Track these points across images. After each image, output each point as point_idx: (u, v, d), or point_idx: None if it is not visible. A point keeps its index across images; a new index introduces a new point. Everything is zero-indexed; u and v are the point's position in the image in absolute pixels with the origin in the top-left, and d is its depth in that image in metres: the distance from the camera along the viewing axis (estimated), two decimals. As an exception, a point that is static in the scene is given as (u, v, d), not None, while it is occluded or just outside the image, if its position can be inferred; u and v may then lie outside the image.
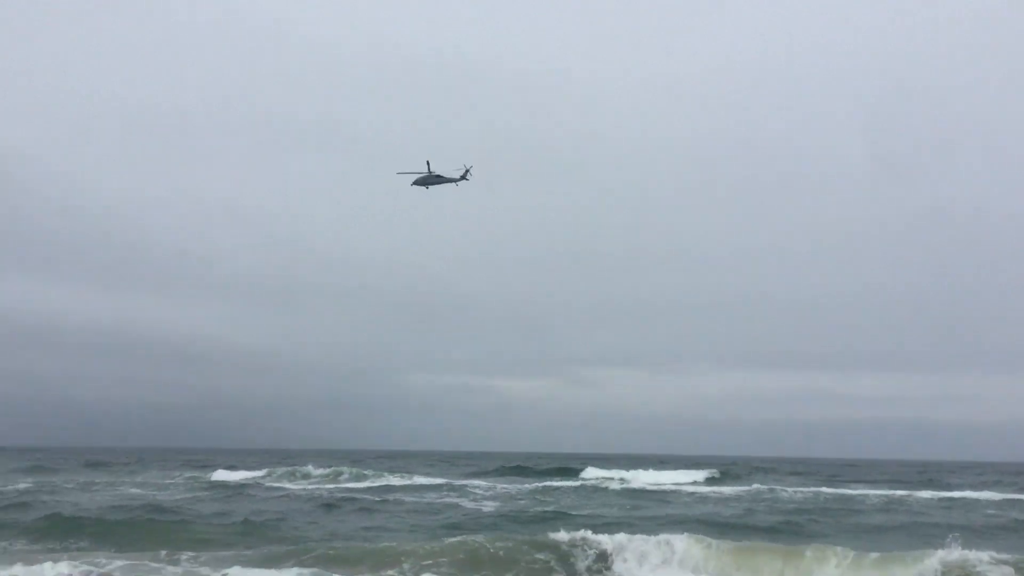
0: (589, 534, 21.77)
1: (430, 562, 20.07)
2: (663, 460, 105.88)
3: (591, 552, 21.12)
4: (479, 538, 21.85)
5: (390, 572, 19.53)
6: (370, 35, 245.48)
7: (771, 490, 49.85)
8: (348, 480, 58.55)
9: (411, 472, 68.49)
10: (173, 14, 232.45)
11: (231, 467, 71.59)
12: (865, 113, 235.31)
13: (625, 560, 20.66)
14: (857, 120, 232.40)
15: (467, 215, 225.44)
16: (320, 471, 62.54)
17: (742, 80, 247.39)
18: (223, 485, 52.64)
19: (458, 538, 22.17)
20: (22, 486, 45.64)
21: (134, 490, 47.36)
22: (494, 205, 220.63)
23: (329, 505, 37.43)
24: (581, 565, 20.64)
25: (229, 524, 27.98)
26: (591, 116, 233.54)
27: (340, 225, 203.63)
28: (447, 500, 41.68)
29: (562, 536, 21.78)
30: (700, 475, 65.05)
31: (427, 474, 65.82)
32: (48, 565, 18.67)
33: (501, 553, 20.71)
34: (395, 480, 58.06)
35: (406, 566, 19.84)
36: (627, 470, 66.69)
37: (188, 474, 64.10)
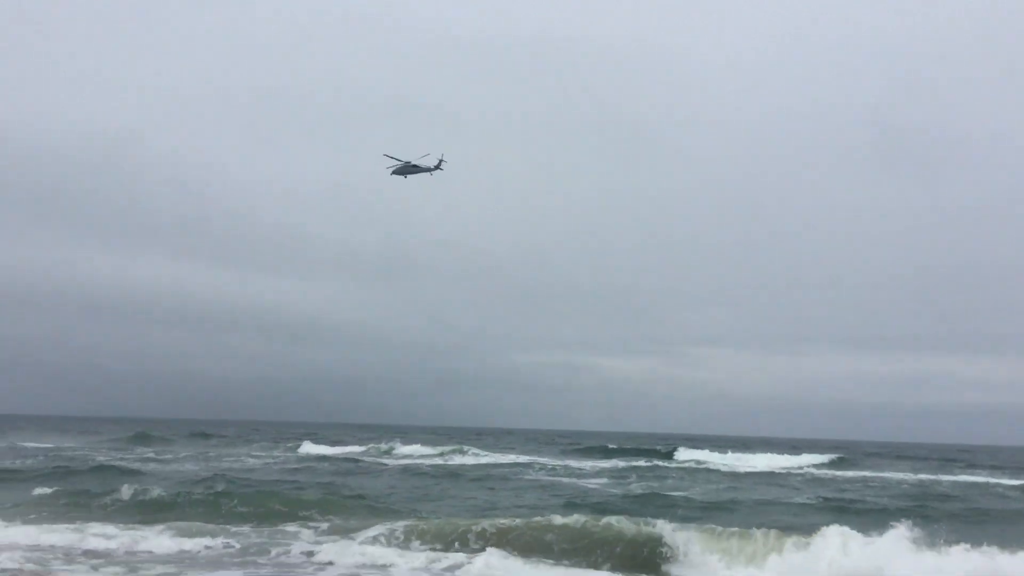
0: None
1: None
2: (771, 443, 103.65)
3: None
4: (614, 519, 20.11)
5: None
6: (471, 15, 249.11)
7: (881, 476, 48.09)
8: (455, 456, 58.94)
9: (514, 449, 68.66)
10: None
11: (338, 441, 72.96)
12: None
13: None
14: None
15: (572, 195, 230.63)
16: (426, 449, 63.12)
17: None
18: (335, 458, 53.72)
19: (604, 519, 20.09)
20: (191, 465, 46.76)
21: (252, 461, 48.72)
22: (600, 186, 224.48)
23: (454, 475, 38.06)
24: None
25: (349, 496, 28.08)
26: (693, 97, 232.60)
27: (444, 206, 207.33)
28: (555, 479, 41.28)
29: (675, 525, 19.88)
30: (816, 459, 62.32)
31: (532, 452, 65.72)
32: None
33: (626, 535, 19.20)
34: (499, 457, 58.13)
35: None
36: (742, 452, 65.09)
37: (304, 447, 65.54)
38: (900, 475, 49.72)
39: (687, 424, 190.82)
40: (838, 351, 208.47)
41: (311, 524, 21.69)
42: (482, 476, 40.35)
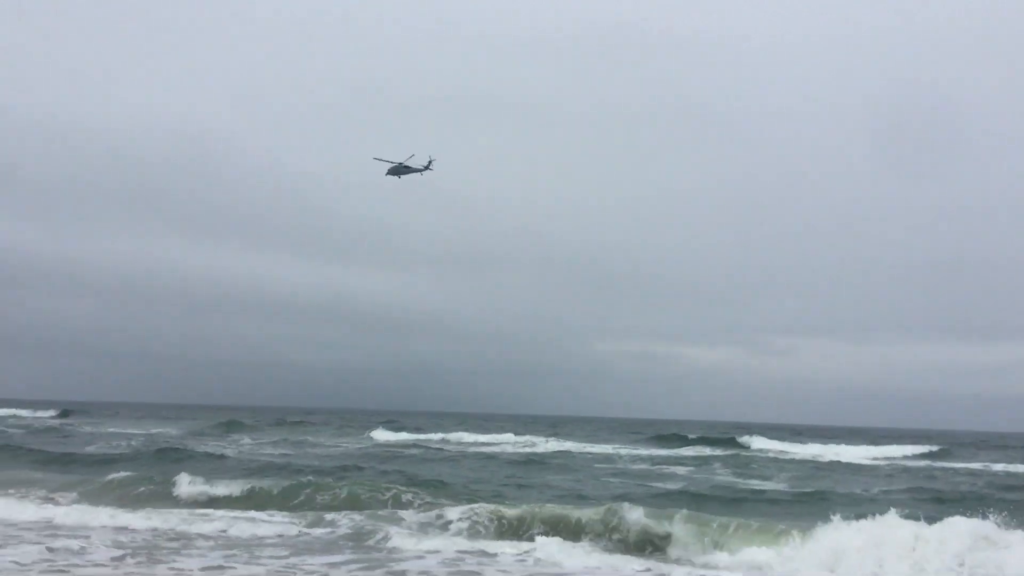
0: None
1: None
2: (859, 432, 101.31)
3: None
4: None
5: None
6: (545, 8, 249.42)
7: (987, 467, 46.07)
8: (536, 443, 59.20)
9: (593, 437, 68.60)
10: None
11: (419, 428, 73.91)
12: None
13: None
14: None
15: (653, 183, 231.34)
16: (505, 436, 63.60)
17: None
18: (419, 445, 54.53)
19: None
20: (281, 450, 47.94)
21: (339, 447, 49.64)
22: (680, 173, 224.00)
23: (535, 463, 38.18)
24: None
25: (436, 482, 28.34)
26: (775, 83, 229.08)
27: (525, 196, 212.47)
28: (634, 467, 41.08)
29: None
30: (912, 449, 59.35)
31: (610, 440, 65.54)
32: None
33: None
34: (581, 445, 58.00)
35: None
36: (828, 442, 63.65)
37: (384, 434, 66.40)
38: (1008, 466, 46.87)
39: (771, 414, 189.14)
40: (925, 339, 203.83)
41: (405, 510, 21.92)
42: (564, 464, 40.40)
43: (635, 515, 19.18)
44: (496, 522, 19.87)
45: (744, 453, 54.94)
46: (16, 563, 14.38)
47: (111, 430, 64.95)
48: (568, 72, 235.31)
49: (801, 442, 64.88)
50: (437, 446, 54.46)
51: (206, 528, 19.20)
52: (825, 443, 63.71)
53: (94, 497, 23.59)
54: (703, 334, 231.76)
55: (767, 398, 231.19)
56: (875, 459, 53.17)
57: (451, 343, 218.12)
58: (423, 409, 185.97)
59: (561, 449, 53.53)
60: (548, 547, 17.52)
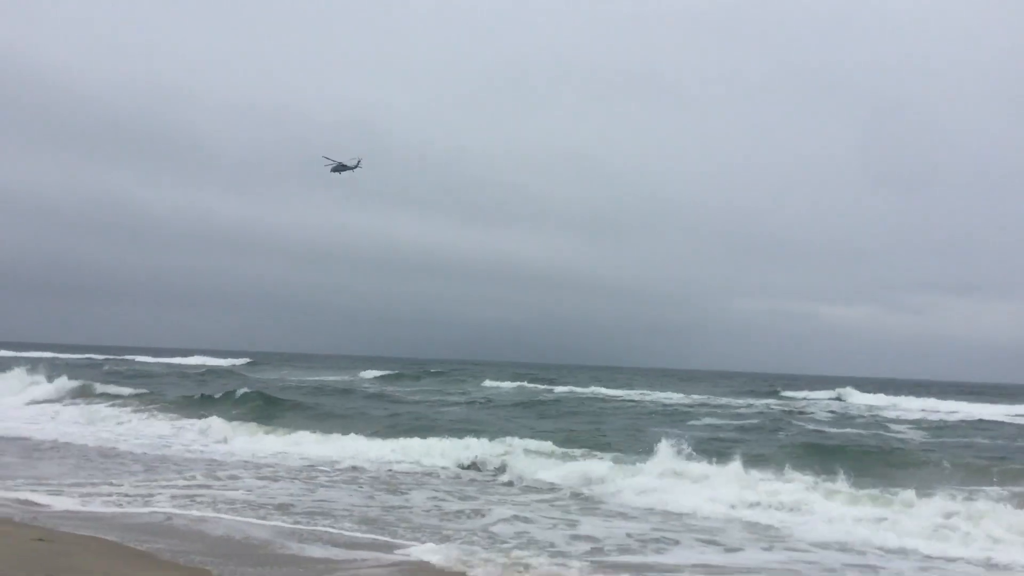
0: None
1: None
2: (993, 389, 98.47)
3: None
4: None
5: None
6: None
7: None
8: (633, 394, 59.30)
9: (700, 389, 69.04)
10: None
11: (568, 381, 74.49)
12: None
13: None
14: None
15: (786, 149, 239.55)
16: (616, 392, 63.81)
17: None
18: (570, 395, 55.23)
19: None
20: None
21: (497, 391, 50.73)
22: (812, 134, 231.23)
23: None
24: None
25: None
26: (903, 43, 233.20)
27: (665, 165, 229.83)
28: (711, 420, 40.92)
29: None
30: None
31: (720, 393, 65.14)
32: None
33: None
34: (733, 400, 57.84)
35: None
36: (944, 399, 60.64)
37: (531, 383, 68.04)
38: None
39: (911, 370, 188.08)
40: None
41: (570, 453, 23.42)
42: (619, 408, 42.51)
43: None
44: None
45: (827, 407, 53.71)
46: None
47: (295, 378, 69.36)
48: (702, 45, 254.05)
49: (917, 396, 63.01)
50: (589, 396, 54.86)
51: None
52: (944, 399, 61.26)
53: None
54: (839, 292, 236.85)
55: (902, 355, 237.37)
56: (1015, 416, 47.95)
57: (598, 301, 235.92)
58: (573, 363, 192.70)
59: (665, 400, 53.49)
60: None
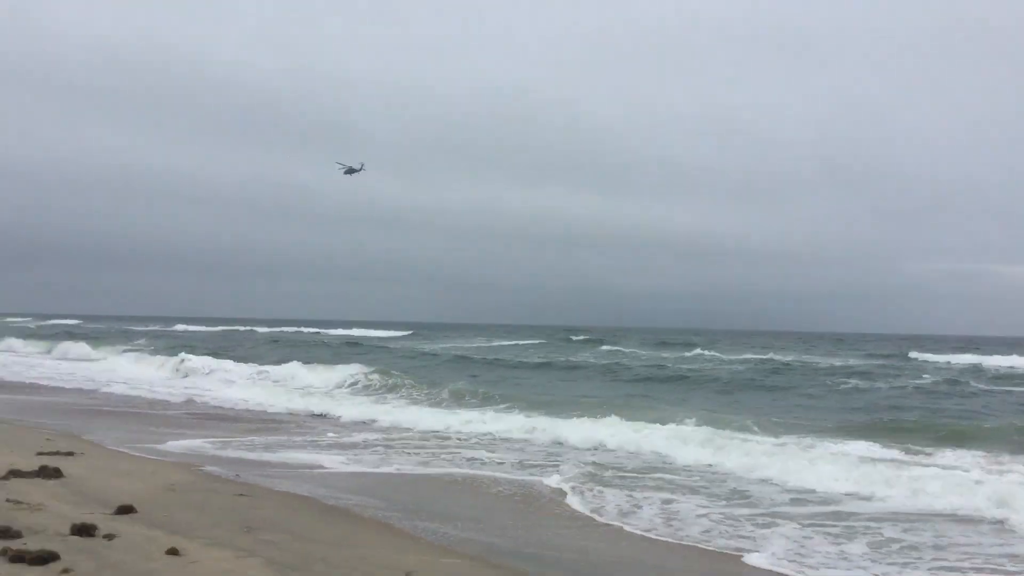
0: None
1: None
2: None
3: None
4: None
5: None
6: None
7: None
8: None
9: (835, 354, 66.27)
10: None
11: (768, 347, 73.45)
12: None
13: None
14: None
15: (952, 106, 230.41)
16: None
17: None
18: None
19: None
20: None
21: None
22: (984, 93, 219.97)
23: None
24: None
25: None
26: None
27: (817, 127, 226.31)
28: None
29: None
30: None
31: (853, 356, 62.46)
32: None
33: None
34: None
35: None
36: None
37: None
38: None
39: None
40: None
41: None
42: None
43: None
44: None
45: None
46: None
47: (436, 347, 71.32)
48: (849, 5, 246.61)
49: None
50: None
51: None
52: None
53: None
54: (1015, 252, 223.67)
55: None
56: None
57: (752, 267, 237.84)
58: (726, 328, 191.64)
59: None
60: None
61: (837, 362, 54.25)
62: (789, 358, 57.18)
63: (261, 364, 40.60)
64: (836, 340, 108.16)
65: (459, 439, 20.48)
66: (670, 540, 11.40)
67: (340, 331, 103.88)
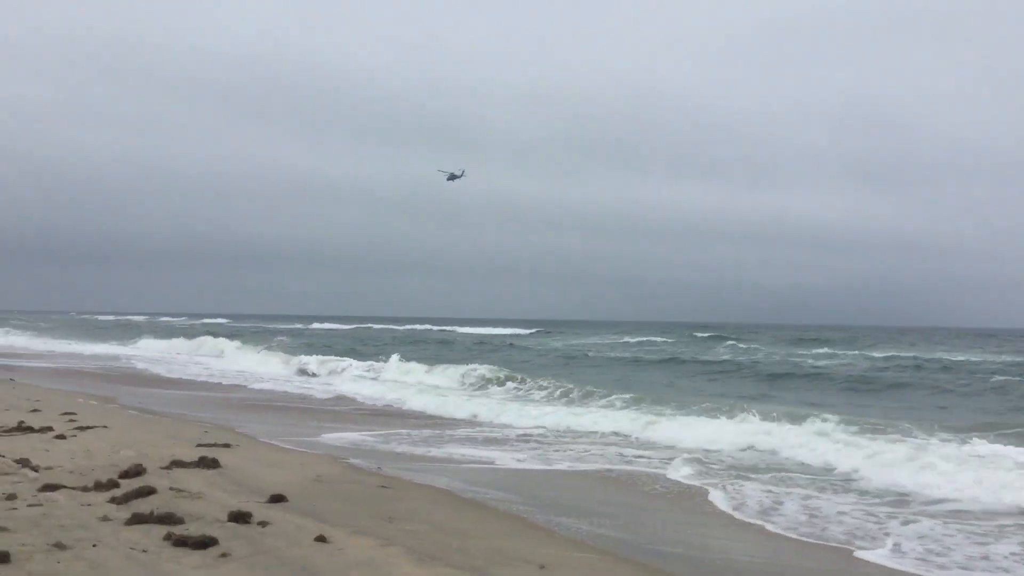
0: None
1: None
2: None
3: None
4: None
5: None
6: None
7: None
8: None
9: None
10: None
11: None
12: None
13: None
14: None
15: None
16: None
17: None
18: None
19: None
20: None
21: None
22: None
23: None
24: None
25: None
26: None
27: (953, 109, 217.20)
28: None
29: None
30: None
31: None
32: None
33: None
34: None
35: None
36: None
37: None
38: None
39: None
40: None
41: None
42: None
43: None
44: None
45: None
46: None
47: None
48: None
49: None
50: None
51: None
52: None
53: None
54: None
55: None
56: None
57: (898, 260, 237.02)
58: (871, 324, 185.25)
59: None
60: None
61: (987, 358, 51.56)
62: (935, 354, 54.73)
63: (401, 362, 41.72)
64: (987, 336, 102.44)
65: (589, 436, 20.58)
66: (811, 540, 11.18)
67: (469, 329, 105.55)
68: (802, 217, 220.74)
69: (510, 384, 32.84)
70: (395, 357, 41.52)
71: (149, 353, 53.38)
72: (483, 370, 35.68)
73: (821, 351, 60.47)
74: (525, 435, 20.45)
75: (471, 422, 23.13)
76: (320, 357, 44.44)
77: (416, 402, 27.14)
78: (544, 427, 21.91)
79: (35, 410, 19.56)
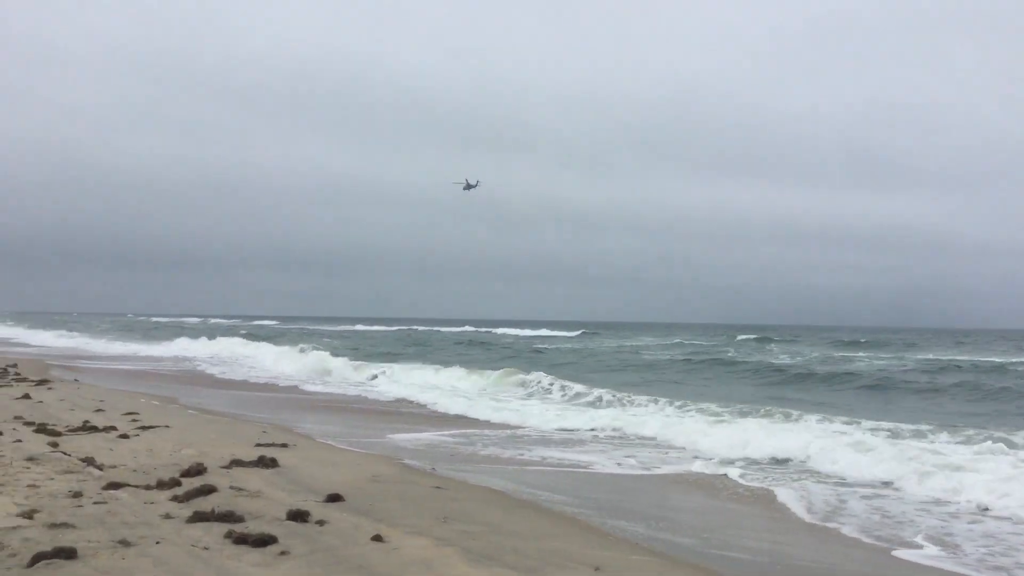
0: None
1: None
2: None
3: None
4: None
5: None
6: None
7: None
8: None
9: None
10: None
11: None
12: None
13: None
14: None
15: None
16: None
17: None
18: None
19: None
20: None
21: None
22: None
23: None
24: None
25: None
26: None
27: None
28: None
29: None
30: None
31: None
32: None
33: None
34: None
35: None
36: None
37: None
38: None
39: None
40: None
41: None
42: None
43: None
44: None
45: None
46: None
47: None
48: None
49: None
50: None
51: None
52: None
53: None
54: None
55: None
56: None
57: (958, 262, 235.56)
58: (931, 326, 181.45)
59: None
60: None
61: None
62: (998, 358, 53.35)
63: (446, 367, 41.79)
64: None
65: (644, 440, 20.44)
66: (877, 543, 10.99)
67: (515, 331, 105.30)
68: (854, 217, 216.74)
69: (560, 387, 32.68)
70: (440, 366, 41.64)
71: (205, 353, 54.27)
72: (535, 375, 35.54)
73: (862, 354, 59.58)
74: (579, 439, 20.41)
75: (522, 426, 22.96)
76: (368, 363, 44.71)
77: (464, 406, 26.70)
78: (596, 429, 21.82)
79: (99, 410, 20.03)
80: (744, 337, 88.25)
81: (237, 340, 64.08)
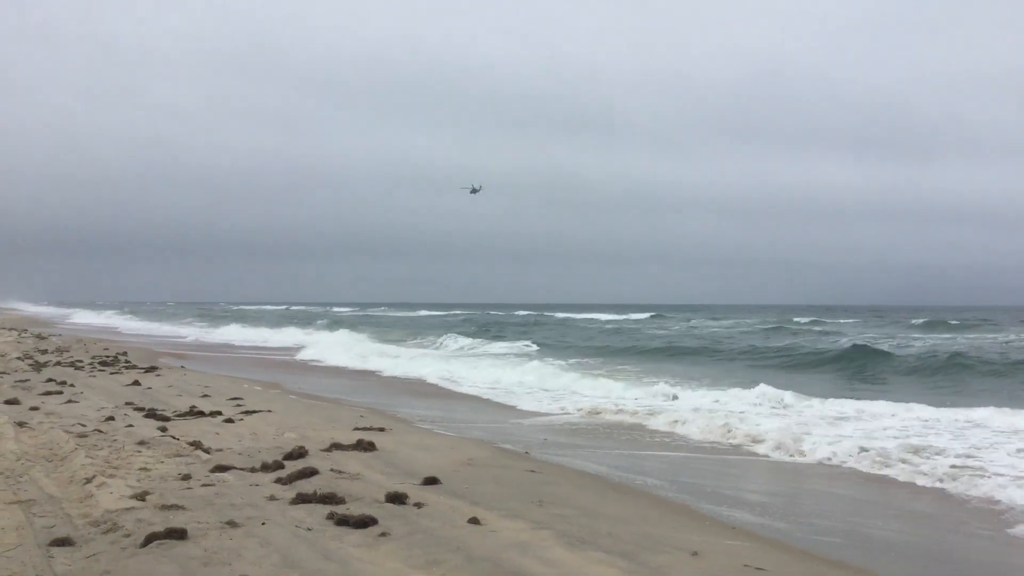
0: None
1: None
2: None
3: None
4: None
5: None
6: None
7: None
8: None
9: None
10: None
11: None
12: None
13: None
14: None
15: None
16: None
17: None
18: None
19: None
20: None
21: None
22: None
23: None
24: None
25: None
26: None
27: None
28: None
29: None
30: None
31: None
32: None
33: None
34: None
35: None
36: None
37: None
38: None
39: None
40: None
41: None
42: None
43: None
44: None
45: None
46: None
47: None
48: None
49: None
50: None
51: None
52: None
53: None
54: None
55: None
56: None
57: None
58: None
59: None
60: None
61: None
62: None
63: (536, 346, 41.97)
64: None
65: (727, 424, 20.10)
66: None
67: (590, 315, 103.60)
68: (959, 192, 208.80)
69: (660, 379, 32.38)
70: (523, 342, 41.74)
71: (303, 342, 55.41)
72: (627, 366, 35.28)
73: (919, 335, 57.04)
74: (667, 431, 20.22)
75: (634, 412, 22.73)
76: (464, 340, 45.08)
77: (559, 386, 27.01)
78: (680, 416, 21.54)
79: (205, 395, 20.77)
80: (801, 320, 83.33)
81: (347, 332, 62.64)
